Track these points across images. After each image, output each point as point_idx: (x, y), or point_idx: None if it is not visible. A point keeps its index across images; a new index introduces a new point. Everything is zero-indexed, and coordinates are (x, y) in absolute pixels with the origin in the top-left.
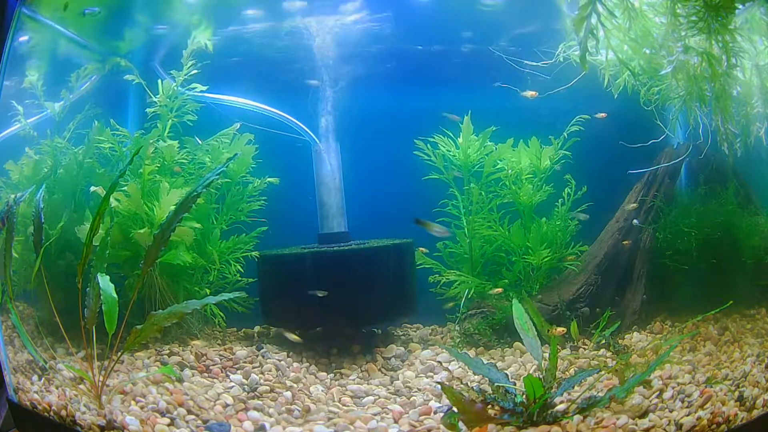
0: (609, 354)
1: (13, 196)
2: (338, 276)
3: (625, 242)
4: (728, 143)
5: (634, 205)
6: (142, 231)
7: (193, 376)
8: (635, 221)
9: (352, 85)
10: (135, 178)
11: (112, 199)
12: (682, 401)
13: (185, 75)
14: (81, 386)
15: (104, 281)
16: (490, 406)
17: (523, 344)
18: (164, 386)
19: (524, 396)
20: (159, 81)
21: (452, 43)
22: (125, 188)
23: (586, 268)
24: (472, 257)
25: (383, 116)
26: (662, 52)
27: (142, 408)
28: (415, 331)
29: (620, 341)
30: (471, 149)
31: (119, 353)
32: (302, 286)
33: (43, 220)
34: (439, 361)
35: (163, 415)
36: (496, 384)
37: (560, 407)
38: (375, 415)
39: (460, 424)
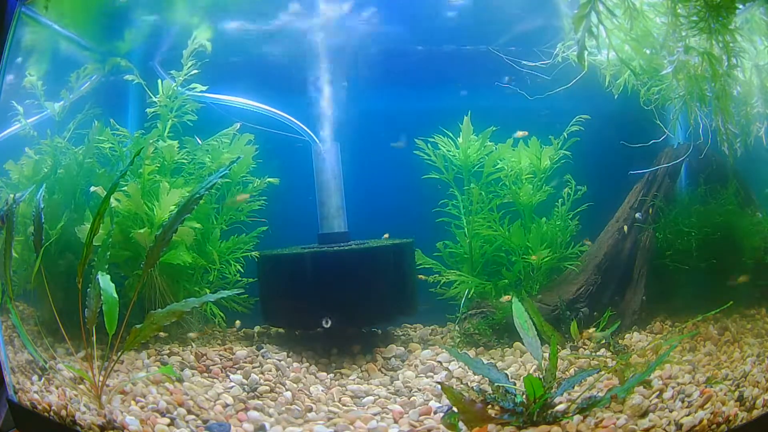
0: (609, 354)
1: (12, 195)
2: (338, 276)
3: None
4: (728, 143)
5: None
6: (142, 231)
7: (193, 376)
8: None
9: (352, 85)
10: (135, 178)
11: (112, 199)
12: (682, 401)
13: (185, 75)
14: (81, 386)
15: (105, 281)
16: (490, 406)
17: (523, 344)
18: (164, 386)
19: (524, 396)
20: (159, 81)
21: (452, 42)
22: (125, 188)
23: (586, 268)
24: (472, 257)
25: (383, 116)
26: (663, 52)
27: (142, 408)
28: (415, 331)
29: (620, 341)
30: (471, 149)
31: (119, 353)
32: (302, 286)
33: (43, 220)
34: (439, 361)
35: (163, 415)
36: (496, 384)
37: (560, 407)
38: (375, 415)
39: (460, 424)
